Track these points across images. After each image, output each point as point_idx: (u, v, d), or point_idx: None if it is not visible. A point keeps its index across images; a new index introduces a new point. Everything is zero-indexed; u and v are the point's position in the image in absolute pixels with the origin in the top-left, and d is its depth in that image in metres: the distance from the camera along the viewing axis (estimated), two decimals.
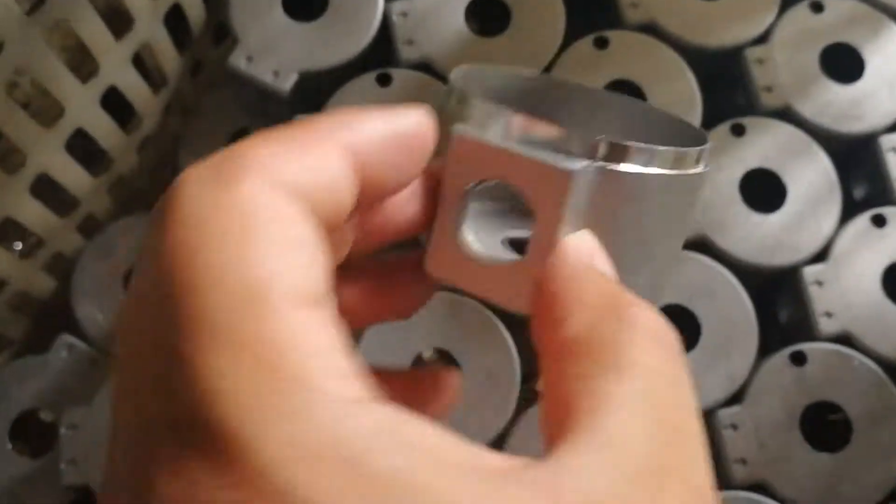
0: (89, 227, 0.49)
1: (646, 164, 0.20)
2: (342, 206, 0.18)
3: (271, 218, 0.16)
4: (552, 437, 0.16)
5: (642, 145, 0.20)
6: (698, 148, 0.21)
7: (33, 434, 0.47)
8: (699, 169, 0.22)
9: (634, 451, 0.15)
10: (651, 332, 0.18)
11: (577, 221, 0.20)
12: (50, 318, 0.50)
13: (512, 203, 0.21)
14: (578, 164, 0.19)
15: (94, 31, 0.40)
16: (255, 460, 0.14)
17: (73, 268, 0.48)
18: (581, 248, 0.19)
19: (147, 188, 0.52)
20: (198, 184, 0.16)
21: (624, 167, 0.20)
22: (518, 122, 0.20)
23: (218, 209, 0.16)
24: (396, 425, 0.15)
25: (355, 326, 0.21)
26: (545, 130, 0.20)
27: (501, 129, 0.20)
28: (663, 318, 0.18)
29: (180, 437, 0.15)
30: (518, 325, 0.44)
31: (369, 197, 0.19)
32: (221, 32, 0.51)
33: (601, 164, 0.19)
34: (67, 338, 0.47)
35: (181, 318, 0.15)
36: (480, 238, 0.21)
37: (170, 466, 0.14)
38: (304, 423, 0.14)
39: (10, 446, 0.46)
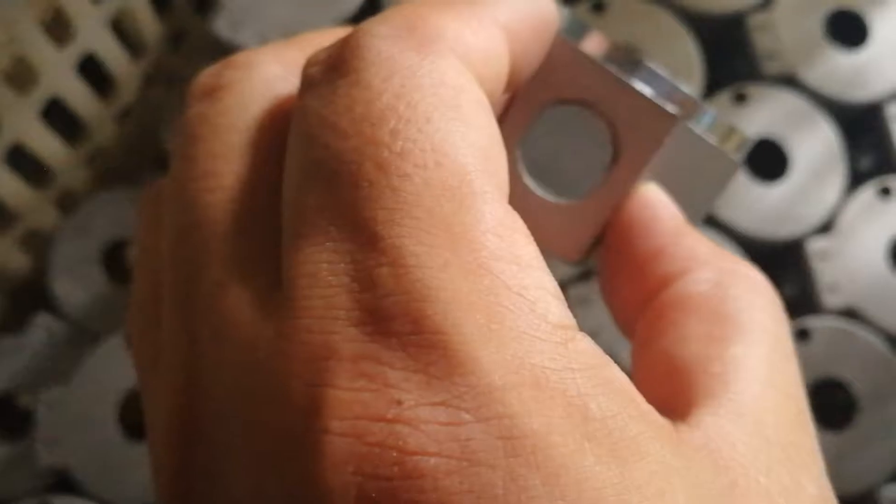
0: (66, 203, 0.47)
1: (705, 132, 0.19)
2: (500, 93, 0.16)
3: (476, 101, 0.14)
4: (667, 400, 0.15)
5: (713, 110, 0.19)
6: (744, 135, 0.20)
7: (11, 417, 0.45)
8: (739, 155, 0.20)
9: (770, 423, 0.15)
10: (768, 295, 0.17)
11: (652, 173, 0.18)
12: (25, 296, 0.48)
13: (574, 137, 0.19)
14: (681, 112, 0.18)
15: None
16: (480, 381, 0.12)
17: (48, 245, 0.47)
18: (667, 201, 0.18)
19: (127, 163, 0.50)
20: (394, 46, 0.14)
21: (697, 129, 0.18)
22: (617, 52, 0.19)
23: (423, 81, 0.14)
24: (604, 366, 0.13)
25: None
26: (643, 71, 0.18)
27: (601, 54, 0.18)
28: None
29: (378, 329, 0.12)
30: None
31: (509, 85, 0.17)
32: (204, 3, 0.49)
33: (687, 120, 0.18)
34: (45, 317, 0.45)
35: (384, 199, 0.13)
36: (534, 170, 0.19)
37: (354, 367, 0.12)
38: (531, 350, 0.13)
39: None
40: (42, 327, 0.45)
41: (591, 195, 0.18)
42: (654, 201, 0.18)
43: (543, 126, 0.18)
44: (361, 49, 0.14)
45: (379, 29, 0.15)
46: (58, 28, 0.40)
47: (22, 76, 0.39)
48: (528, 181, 0.19)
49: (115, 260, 0.47)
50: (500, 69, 0.16)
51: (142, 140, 0.50)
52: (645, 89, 0.18)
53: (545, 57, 0.18)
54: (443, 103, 0.14)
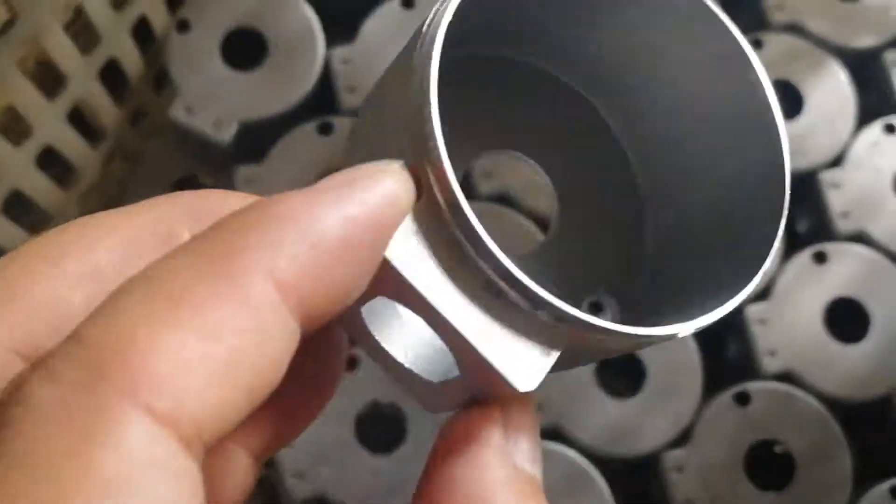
0: None
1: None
2: (281, 371, 0.14)
3: (157, 482, 0.12)
4: None
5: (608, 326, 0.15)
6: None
7: None
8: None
9: None
10: None
11: None
12: None
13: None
14: (536, 378, 0.15)
15: (24, 93, 0.39)
16: None
17: None
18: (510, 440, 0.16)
19: None
20: (66, 403, 0.12)
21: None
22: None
23: (88, 460, 0.11)
24: None
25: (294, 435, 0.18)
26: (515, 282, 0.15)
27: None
28: None
29: None
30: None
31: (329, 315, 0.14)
32: (162, 80, 0.51)
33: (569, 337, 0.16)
34: None
35: None
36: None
37: None
38: None
39: None
40: None
41: (452, 381, 0.16)
42: (492, 446, 0.16)
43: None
44: (26, 398, 0.12)
45: (58, 370, 0.12)
46: (15, 125, 0.41)
47: None
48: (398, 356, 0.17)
49: None
50: (267, 365, 0.13)
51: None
52: (491, 351, 0.15)
53: (378, 275, 0.15)
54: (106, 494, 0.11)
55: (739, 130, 0.20)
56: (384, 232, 0.15)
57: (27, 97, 0.40)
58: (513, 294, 0.15)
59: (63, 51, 0.40)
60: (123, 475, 0.11)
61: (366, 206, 0.14)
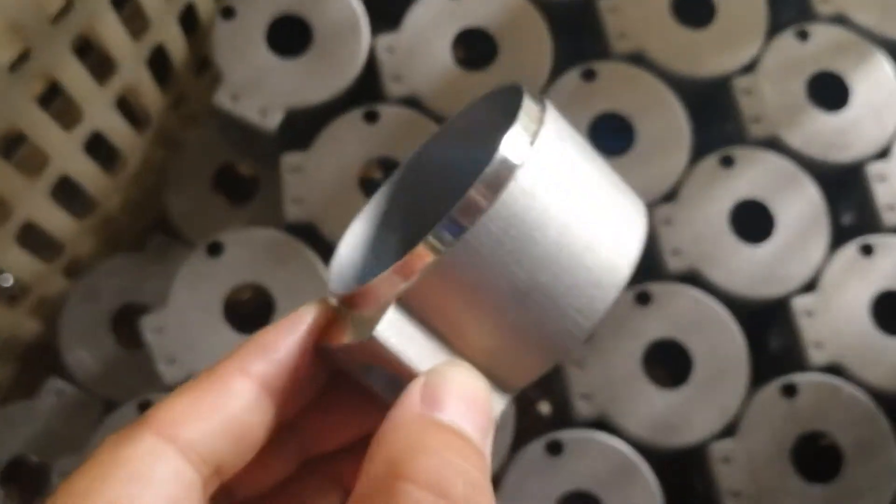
0: (73, 269, 0.48)
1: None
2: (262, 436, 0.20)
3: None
4: None
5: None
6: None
7: (23, 479, 0.47)
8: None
9: None
10: None
11: None
12: (35, 360, 0.49)
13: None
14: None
15: (77, 79, 0.39)
16: None
17: (58, 310, 0.48)
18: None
19: (132, 226, 0.51)
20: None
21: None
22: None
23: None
24: None
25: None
26: None
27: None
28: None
29: None
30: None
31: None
32: (202, 64, 0.51)
33: None
34: (56, 382, 0.46)
35: None
36: None
37: None
38: None
39: (2, 493, 0.45)
40: (53, 392, 0.46)
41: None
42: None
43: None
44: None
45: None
46: (67, 111, 0.41)
47: (33, 159, 0.41)
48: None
49: (123, 324, 0.48)
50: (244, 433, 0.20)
51: (145, 203, 0.51)
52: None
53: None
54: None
55: None
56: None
57: (80, 82, 0.39)
58: None
59: (115, 36, 0.40)
60: None
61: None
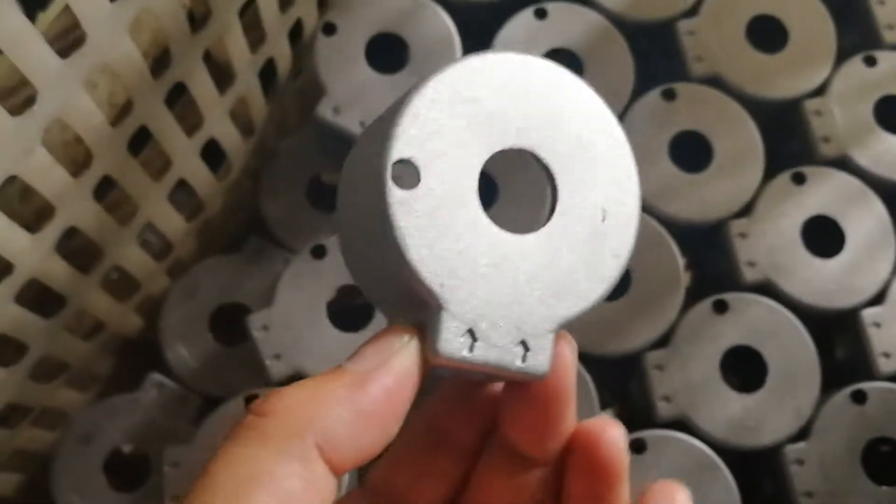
0: (175, 269, 0.51)
1: None
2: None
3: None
4: None
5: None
6: None
7: (124, 469, 0.49)
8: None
9: None
10: None
11: None
12: (131, 356, 0.51)
13: None
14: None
15: (204, 86, 0.42)
16: None
17: (157, 308, 0.50)
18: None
19: (225, 228, 0.54)
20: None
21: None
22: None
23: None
24: None
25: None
26: None
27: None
28: None
29: None
30: (596, 363, 0.46)
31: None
32: (295, 76, 0.53)
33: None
34: (157, 376, 0.49)
35: None
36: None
37: None
38: None
39: (104, 481, 0.47)
40: (154, 386, 0.48)
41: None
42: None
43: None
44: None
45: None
46: (187, 118, 0.44)
47: (155, 163, 0.43)
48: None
49: (220, 323, 0.51)
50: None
51: (240, 207, 0.54)
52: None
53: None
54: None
55: None
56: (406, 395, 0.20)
57: (206, 90, 0.42)
58: None
59: (238, 48, 0.43)
60: None
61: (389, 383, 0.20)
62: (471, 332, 0.20)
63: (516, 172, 0.24)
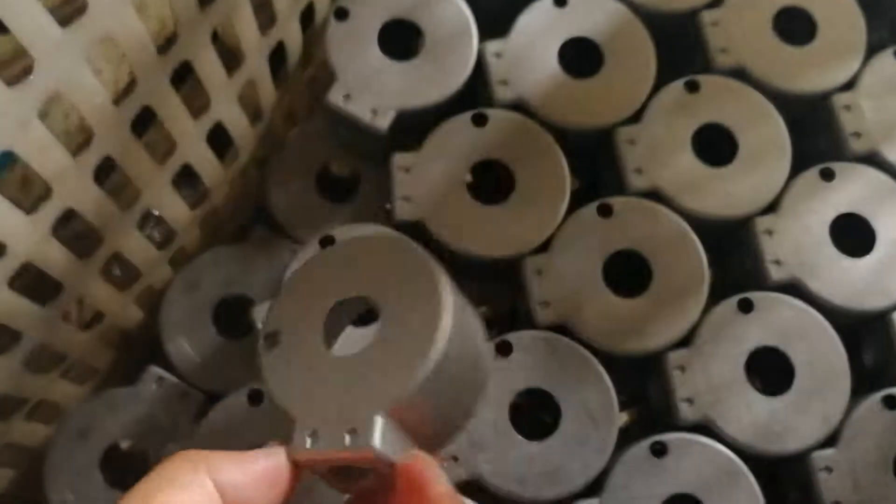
0: (177, 259, 0.49)
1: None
2: None
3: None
4: None
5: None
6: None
7: (121, 465, 0.47)
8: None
9: None
10: None
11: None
12: (130, 349, 0.50)
13: None
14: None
15: (211, 68, 0.40)
16: None
17: (158, 299, 0.49)
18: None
19: (230, 217, 0.52)
20: None
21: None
22: None
23: None
24: None
25: None
26: None
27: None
28: None
29: None
30: (615, 362, 0.44)
31: None
32: (305, 62, 0.52)
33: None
34: (157, 370, 0.47)
35: None
36: None
37: None
38: None
39: (100, 477, 0.45)
40: (154, 380, 0.47)
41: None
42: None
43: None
44: None
45: None
46: (194, 100, 0.42)
47: (160, 145, 0.41)
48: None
49: (223, 315, 0.49)
50: None
51: (245, 196, 0.52)
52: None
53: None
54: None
55: None
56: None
57: (213, 71, 0.40)
58: None
59: (248, 29, 0.41)
60: None
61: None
62: (314, 433, 0.26)
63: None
